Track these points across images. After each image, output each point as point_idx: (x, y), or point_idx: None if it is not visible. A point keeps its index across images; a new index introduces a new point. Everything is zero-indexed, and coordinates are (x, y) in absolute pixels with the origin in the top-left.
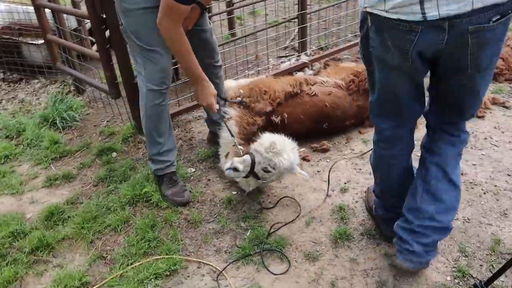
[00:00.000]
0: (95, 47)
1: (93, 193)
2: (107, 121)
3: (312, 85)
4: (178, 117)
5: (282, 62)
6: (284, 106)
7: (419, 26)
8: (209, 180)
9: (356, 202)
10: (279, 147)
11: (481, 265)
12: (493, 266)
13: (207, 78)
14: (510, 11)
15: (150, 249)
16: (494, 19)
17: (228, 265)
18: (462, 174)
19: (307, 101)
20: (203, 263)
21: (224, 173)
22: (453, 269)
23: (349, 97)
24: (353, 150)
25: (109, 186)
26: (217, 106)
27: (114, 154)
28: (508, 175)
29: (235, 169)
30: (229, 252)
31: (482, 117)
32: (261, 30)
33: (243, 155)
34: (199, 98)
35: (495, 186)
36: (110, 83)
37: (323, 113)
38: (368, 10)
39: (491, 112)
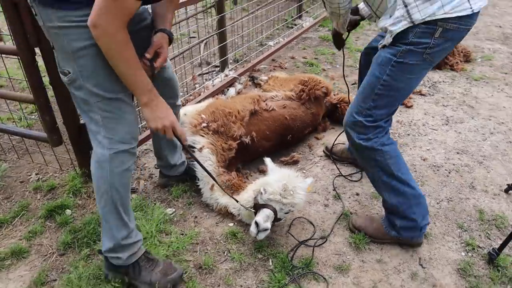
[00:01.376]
0: None
1: (65, 264)
2: (36, 174)
3: (264, 101)
4: None
5: (206, 80)
6: (249, 125)
7: (472, 25)
8: (196, 217)
9: (354, 205)
10: (290, 186)
11: (479, 235)
12: (488, 233)
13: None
14: None
15: None
16: None
17: None
18: (424, 159)
19: (268, 117)
20: None
21: (250, 234)
22: (462, 244)
23: (302, 106)
24: (321, 156)
25: (82, 250)
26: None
27: (68, 211)
28: (457, 153)
29: (265, 229)
30: None
31: (411, 106)
32: (189, 49)
33: (250, 209)
34: (157, 118)
35: (453, 164)
36: (50, 129)
37: (286, 125)
38: (448, 16)
39: (414, 101)
